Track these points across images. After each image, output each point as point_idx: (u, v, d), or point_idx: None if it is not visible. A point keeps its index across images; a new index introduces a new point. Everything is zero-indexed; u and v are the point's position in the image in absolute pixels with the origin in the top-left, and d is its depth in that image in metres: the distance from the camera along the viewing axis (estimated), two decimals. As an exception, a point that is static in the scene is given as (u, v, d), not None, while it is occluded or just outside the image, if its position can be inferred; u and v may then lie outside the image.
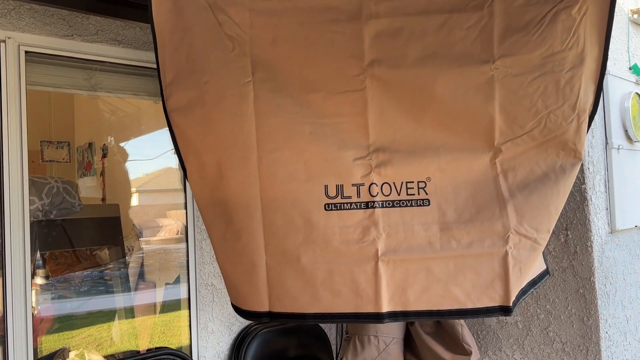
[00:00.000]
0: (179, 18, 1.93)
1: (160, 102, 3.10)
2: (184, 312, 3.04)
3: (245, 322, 3.08)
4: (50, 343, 3.42)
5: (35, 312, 3.45)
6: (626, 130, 2.76)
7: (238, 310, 2.02)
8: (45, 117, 4.91)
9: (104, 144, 4.95)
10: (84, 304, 3.69)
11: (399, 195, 1.89)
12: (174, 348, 2.91)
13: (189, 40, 1.92)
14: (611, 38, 2.87)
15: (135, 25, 2.83)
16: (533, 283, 2.01)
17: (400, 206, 1.88)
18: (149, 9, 1.92)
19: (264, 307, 1.93)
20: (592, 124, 2.61)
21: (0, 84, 2.34)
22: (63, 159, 4.99)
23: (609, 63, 2.76)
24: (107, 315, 3.60)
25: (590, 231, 2.54)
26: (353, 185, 1.88)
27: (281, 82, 1.89)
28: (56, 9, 2.50)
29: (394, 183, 1.89)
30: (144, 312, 3.73)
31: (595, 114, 1.89)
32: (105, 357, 3.26)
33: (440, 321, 2.73)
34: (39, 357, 3.26)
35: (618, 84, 2.76)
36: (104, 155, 4.89)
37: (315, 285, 1.87)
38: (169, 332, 3.31)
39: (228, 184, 1.91)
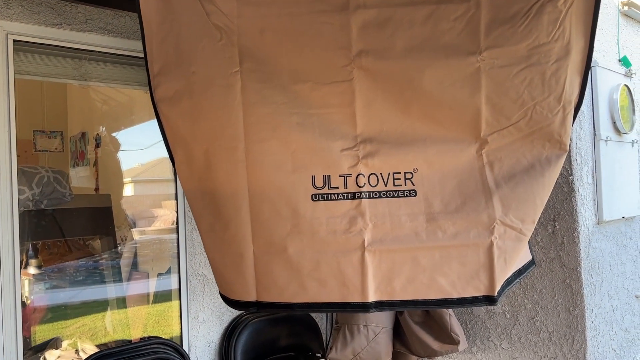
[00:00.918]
0: (166, 8, 1.92)
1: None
2: (175, 303, 3.05)
3: (236, 312, 3.10)
4: (44, 332, 3.43)
5: (28, 302, 3.46)
6: (614, 122, 2.78)
7: (226, 299, 2.03)
8: (37, 107, 4.89)
9: (97, 134, 4.93)
10: (78, 293, 3.70)
11: (385, 186, 1.90)
12: (167, 338, 2.93)
13: (176, 31, 1.92)
14: (601, 30, 2.90)
15: (125, 15, 2.81)
16: (519, 273, 2.02)
17: (387, 197, 1.89)
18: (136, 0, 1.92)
19: (251, 296, 1.94)
20: (581, 116, 2.64)
21: (-12, 73, 2.33)
22: (56, 148, 4.98)
23: (598, 55, 2.78)
24: (101, 305, 3.61)
25: (577, 222, 2.56)
26: (340, 175, 1.89)
27: (269, 73, 1.89)
28: (44, -2, 2.49)
29: (381, 174, 1.90)
30: (138, 302, 3.75)
31: (580, 105, 1.90)
32: (97, 346, 3.28)
33: (429, 311, 2.76)
34: (31, 346, 3.28)
35: (607, 75, 2.78)
36: (97, 145, 4.88)
37: (302, 275, 1.88)
38: (164, 321, 3.33)
39: (216, 174, 1.92)
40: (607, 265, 2.72)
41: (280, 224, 1.88)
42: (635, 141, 3.01)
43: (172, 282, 3.10)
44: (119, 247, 4.15)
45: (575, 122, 2.28)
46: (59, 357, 3.21)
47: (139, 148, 4.78)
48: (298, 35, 1.88)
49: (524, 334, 2.73)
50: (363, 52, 1.85)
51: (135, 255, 4.15)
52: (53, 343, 3.37)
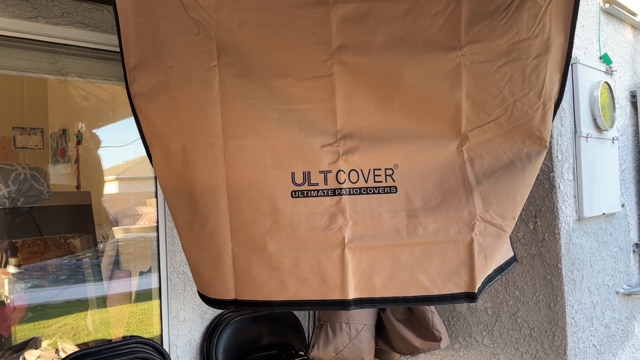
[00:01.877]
0: (143, 1, 1.88)
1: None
2: (157, 302, 3.01)
3: (217, 311, 3.07)
4: (24, 332, 3.37)
5: (8, 301, 3.39)
6: (595, 119, 2.79)
7: (204, 298, 2.00)
8: (17, 103, 4.80)
9: (78, 131, 4.86)
10: (59, 293, 3.64)
11: (366, 182, 1.88)
12: (148, 337, 2.89)
13: (153, 24, 1.88)
14: (582, 27, 2.91)
15: (102, 8, 2.76)
16: (500, 270, 2.02)
17: (367, 193, 1.88)
18: (111, -9, 1.88)
19: (230, 295, 1.92)
20: (562, 113, 2.64)
21: (-40, 67, 2.27)
22: (36, 145, 4.89)
23: (579, 52, 2.79)
24: (83, 304, 3.56)
25: (558, 219, 2.57)
26: (320, 172, 1.87)
27: (248, 67, 1.86)
28: (19, -10, 2.43)
29: (361, 170, 1.88)
30: (120, 300, 3.69)
31: (560, 102, 1.90)
32: (78, 346, 3.23)
33: (411, 308, 2.76)
34: (11, 345, 3.21)
35: (588, 73, 2.79)
36: (79, 142, 4.80)
37: (281, 272, 1.86)
38: (147, 320, 3.29)
39: (193, 170, 1.89)
40: (587, 262, 2.73)
41: (259, 221, 1.86)
42: (615, 138, 3.02)
43: (153, 281, 3.06)
44: (101, 246, 4.08)
45: (556, 118, 2.29)
46: (38, 357, 3.15)
47: (120, 145, 4.71)
48: (277, 30, 1.85)
49: (505, 331, 2.74)
50: (343, 47, 1.83)
51: (118, 253, 4.10)
52: (33, 343, 3.31)
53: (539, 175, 2.42)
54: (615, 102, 3.04)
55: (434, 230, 1.86)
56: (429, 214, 1.86)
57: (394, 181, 1.88)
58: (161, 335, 2.95)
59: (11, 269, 3.53)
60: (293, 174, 1.86)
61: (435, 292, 1.87)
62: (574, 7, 1.81)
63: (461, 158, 1.90)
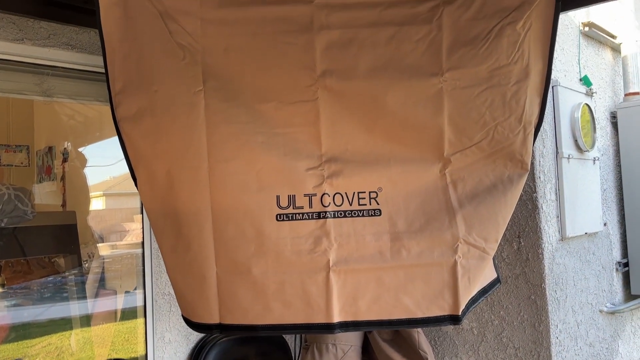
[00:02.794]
0: (128, 26, 1.90)
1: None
2: (141, 321, 2.99)
3: (203, 332, 3.04)
4: (8, 352, 3.31)
5: (-9, 320, 3.34)
6: (576, 140, 2.84)
7: (188, 322, 1.99)
8: (3, 120, 4.77)
9: (65, 148, 4.83)
10: (43, 312, 3.59)
11: (350, 205, 1.89)
12: (130, 358, 2.86)
13: (139, 49, 1.90)
14: (562, 50, 2.98)
15: (89, 30, 2.77)
16: (483, 292, 2.04)
17: (352, 216, 1.89)
18: (97, 16, 1.89)
19: (214, 319, 1.91)
20: (543, 134, 2.69)
21: (-57, 89, 2.26)
22: (22, 163, 4.86)
23: (559, 74, 2.85)
24: (68, 323, 3.52)
25: (542, 239, 2.60)
26: (305, 195, 1.88)
27: (233, 92, 1.88)
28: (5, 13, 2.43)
29: (345, 193, 1.90)
30: (105, 319, 3.65)
31: (540, 126, 1.94)
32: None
33: (397, 328, 2.76)
34: (-7, 367, 3.16)
35: (568, 95, 2.85)
36: (65, 160, 4.77)
37: (266, 296, 1.86)
38: (133, 339, 3.25)
39: (178, 194, 1.89)
40: (570, 281, 2.76)
41: (244, 245, 1.86)
42: (596, 158, 3.08)
43: (139, 299, 3.04)
44: (86, 265, 4.04)
45: (538, 140, 2.34)
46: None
47: (107, 164, 4.69)
48: (262, 55, 1.88)
49: (491, 350, 2.75)
50: (327, 72, 1.86)
51: (103, 271, 4.06)
52: (15, 364, 3.26)
53: (522, 195, 2.46)
54: (596, 122, 3.10)
55: (418, 253, 1.87)
56: (413, 237, 1.88)
57: (378, 204, 1.90)
58: (146, 356, 2.91)
59: (-6, 289, 3.48)
60: (278, 197, 1.87)
61: (419, 314, 1.88)
62: (552, 34, 1.85)
63: (444, 181, 1.92)
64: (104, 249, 4.41)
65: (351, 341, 2.81)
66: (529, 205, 2.62)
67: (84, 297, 3.70)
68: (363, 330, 2.48)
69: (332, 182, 1.89)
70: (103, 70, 2.80)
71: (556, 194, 2.72)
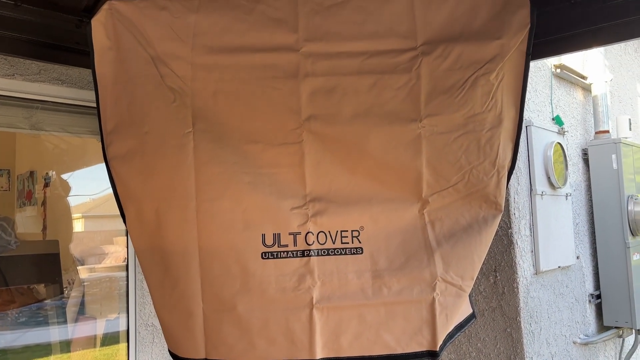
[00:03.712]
0: (121, 69, 1.97)
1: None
2: (123, 346, 2.99)
3: (185, 364, 3.05)
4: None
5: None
6: (549, 178, 2.97)
7: (175, 357, 2.02)
8: (-16, 144, 4.76)
9: (47, 173, 4.83)
10: (18, 337, 3.56)
11: (334, 243, 1.97)
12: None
13: (130, 91, 1.97)
14: (535, 92, 3.13)
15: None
16: (460, 327, 2.11)
17: (335, 254, 1.96)
18: (91, 59, 1.96)
19: (200, 354, 1.95)
20: (518, 172, 2.82)
21: None
22: (2, 187, 4.84)
23: (533, 115, 2.99)
24: (45, 349, 3.49)
25: (517, 273, 2.70)
26: (290, 233, 1.95)
27: (221, 134, 1.96)
28: (-1, 54, 2.49)
29: (329, 232, 1.97)
30: (84, 345, 3.63)
31: (514, 168, 2.05)
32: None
33: None
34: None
35: (541, 134, 2.99)
36: (46, 185, 4.76)
37: (251, 333, 1.91)
38: (114, 364, 3.24)
39: (166, 232, 1.94)
40: (545, 314, 2.86)
41: (229, 282, 1.91)
42: (568, 194, 3.21)
43: (118, 324, 3.05)
44: (66, 292, 4.03)
45: (513, 178, 2.45)
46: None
47: (90, 194, 4.71)
48: (250, 99, 1.96)
49: (469, 382, 2.81)
50: (312, 117, 1.95)
51: (83, 296, 4.04)
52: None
53: (498, 231, 2.56)
54: (568, 159, 3.24)
55: (398, 291, 1.94)
56: (393, 275, 1.96)
57: (360, 242, 1.98)
58: (128, 389, 2.91)
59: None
60: (263, 236, 1.94)
61: (399, 350, 1.94)
62: (523, 84, 1.98)
63: (422, 221, 2.01)
64: (82, 272, 4.39)
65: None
66: (504, 241, 2.73)
67: (63, 323, 3.68)
68: (344, 365, 2.53)
69: (316, 220, 1.96)
70: (92, 105, 2.88)
71: (530, 229, 2.83)
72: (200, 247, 1.92)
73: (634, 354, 3.75)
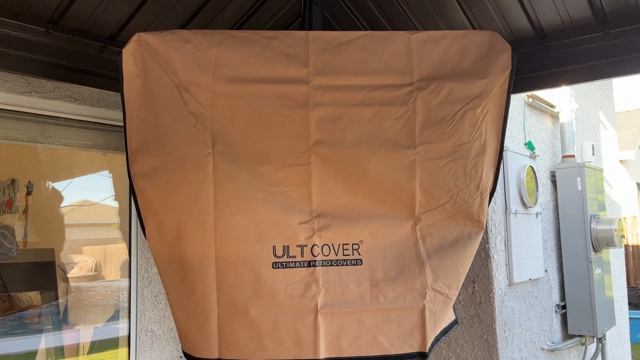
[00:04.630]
0: (147, 94, 2.17)
1: (108, 154, 3.30)
2: (122, 350, 3.12)
3: (183, 368, 3.21)
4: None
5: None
6: (522, 198, 3.27)
7: (189, 357, 2.21)
8: (-38, 151, 4.79)
9: (29, 181, 4.88)
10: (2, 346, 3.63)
11: (336, 255, 2.19)
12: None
13: (155, 114, 2.17)
14: (510, 119, 3.45)
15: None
16: (445, 331, 2.36)
17: (337, 265, 2.19)
18: (120, 85, 2.15)
19: (213, 354, 2.14)
20: (495, 193, 3.10)
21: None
22: (-19, 195, 4.87)
23: (508, 140, 3.30)
24: (26, 357, 3.55)
25: (493, 284, 2.97)
26: (298, 246, 2.17)
27: (238, 155, 2.17)
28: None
29: (332, 245, 2.20)
30: (74, 353, 3.71)
31: (494, 191, 2.32)
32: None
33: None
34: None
35: (515, 158, 3.29)
36: (29, 193, 4.82)
37: (261, 335, 2.11)
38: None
39: (185, 243, 2.14)
40: (517, 322, 3.14)
41: (243, 289, 2.12)
42: (538, 213, 3.52)
43: (119, 332, 3.18)
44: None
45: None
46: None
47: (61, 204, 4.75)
48: (264, 125, 2.19)
49: (448, 384, 3.06)
50: (319, 142, 2.18)
51: (67, 304, 4.12)
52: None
53: (476, 246, 2.83)
54: (539, 181, 3.56)
55: (393, 298, 2.18)
56: (389, 284, 2.19)
57: (359, 255, 2.21)
58: (128, 392, 3.05)
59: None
60: (274, 248, 2.15)
61: (393, 352, 2.17)
62: (504, 118, 2.26)
63: (415, 236, 2.26)
64: (59, 281, 4.46)
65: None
66: (482, 255, 3.00)
67: (48, 331, 3.77)
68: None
69: (321, 234, 2.19)
70: (101, 121, 3.06)
71: (505, 244, 3.12)
72: (217, 257, 2.12)
73: (595, 360, 4.07)
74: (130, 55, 2.15)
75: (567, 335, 3.83)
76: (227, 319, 2.12)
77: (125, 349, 3.14)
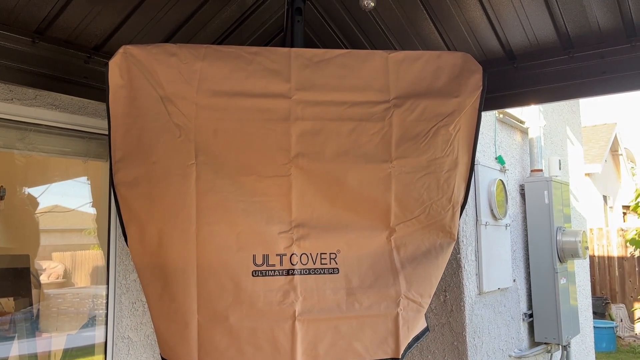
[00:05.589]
0: (132, 105, 2.22)
1: (88, 162, 3.33)
2: (98, 358, 3.13)
3: (159, 375, 3.24)
4: None
5: None
6: (492, 210, 3.41)
7: (168, 363, 2.26)
8: None
9: (2, 186, 4.83)
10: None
11: (314, 264, 2.28)
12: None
13: (140, 125, 2.22)
14: (482, 134, 3.59)
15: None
16: (417, 338, 2.46)
17: (315, 274, 2.27)
18: (106, 95, 2.20)
19: (193, 360, 2.19)
20: (466, 205, 3.24)
21: None
22: (-50, 200, 4.80)
23: (479, 155, 3.44)
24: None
25: (464, 293, 3.09)
26: (277, 255, 2.24)
27: (220, 166, 2.24)
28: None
29: (310, 254, 2.28)
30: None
31: (465, 204, 2.44)
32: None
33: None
34: None
35: (486, 172, 3.43)
36: (1, 198, 4.77)
37: (240, 341, 2.17)
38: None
39: (167, 251, 2.19)
40: (486, 329, 3.26)
41: (223, 297, 2.18)
42: (508, 225, 3.67)
43: (95, 339, 3.19)
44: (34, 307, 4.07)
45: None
46: None
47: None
48: (246, 137, 2.26)
49: (420, 390, 3.16)
50: (300, 154, 2.27)
51: (39, 311, 4.09)
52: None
53: (448, 256, 2.94)
54: (508, 194, 3.71)
55: (368, 306, 2.27)
56: (364, 292, 2.28)
57: (336, 264, 2.30)
58: (103, 399, 3.06)
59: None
60: (254, 256, 2.22)
61: (368, 358, 2.26)
62: (475, 135, 2.38)
63: (390, 246, 2.36)
64: (33, 288, 4.42)
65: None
66: (453, 264, 3.12)
67: (22, 338, 3.74)
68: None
69: (299, 244, 2.27)
70: (82, 129, 3.08)
71: (476, 255, 3.24)
72: (198, 265, 2.18)
73: (560, 367, 4.23)
74: (116, 67, 2.21)
75: (533, 343, 3.98)
76: (207, 325, 2.18)
77: (102, 356, 3.16)
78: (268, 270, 2.22)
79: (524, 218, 4.12)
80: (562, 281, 4.10)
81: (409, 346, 2.39)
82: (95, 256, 3.82)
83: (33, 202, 4.78)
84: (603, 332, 8.86)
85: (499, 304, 3.48)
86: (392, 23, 2.71)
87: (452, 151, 2.35)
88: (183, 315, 2.18)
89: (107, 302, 3.17)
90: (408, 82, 2.36)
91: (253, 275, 2.20)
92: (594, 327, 6.15)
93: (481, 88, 2.35)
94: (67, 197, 4.00)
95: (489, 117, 3.72)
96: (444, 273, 3.14)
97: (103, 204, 3.36)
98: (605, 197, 13.38)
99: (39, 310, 4.10)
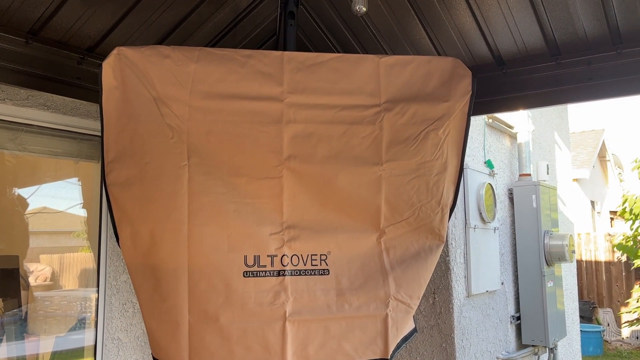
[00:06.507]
0: (125, 106, 2.24)
1: (80, 163, 3.33)
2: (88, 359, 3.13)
3: (149, 376, 3.24)
4: None
5: None
6: (480, 213, 3.45)
7: (159, 363, 2.27)
8: None
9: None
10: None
11: (305, 265, 2.30)
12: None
13: (133, 126, 2.23)
14: (471, 139, 3.64)
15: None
16: (405, 339, 2.49)
17: (305, 275, 2.29)
18: (99, 96, 2.21)
19: (183, 360, 2.20)
20: (455, 208, 3.27)
21: None
22: None
23: (469, 159, 3.48)
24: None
25: (452, 295, 3.13)
26: (268, 256, 2.26)
27: (212, 167, 2.26)
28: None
29: (301, 255, 2.30)
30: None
31: (454, 207, 2.48)
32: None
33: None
34: None
35: (475, 176, 3.47)
36: (-8, 198, 4.74)
37: (231, 341, 2.19)
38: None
39: (159, 251, 2.20)
40: (474, 332, 3.30)
41: (214, 297, 2.19)
42: (496, 228, 3.71)
43: (85, 341, 3.18)
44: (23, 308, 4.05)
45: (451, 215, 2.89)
46: None
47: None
48: (238, 139, 2.28)
49: (409, 392, 3.19)
50: (291, 157, 2.29)
51: (27, 314, 4.07)
52: None
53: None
54: (497, 198, 3.75)
55: (358, 307, 2.30)
56: (354, 293, 2.31)
57: (327, 265, 2.32)
58: (93, 400, 3.06)
59: None
60: (245, 257, 2.24)
61: (357, 358, 2.28)
62: (464, 139, 2.42)
63: (379, 248, 2.39)
64: (22, 290, 4.40)
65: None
66: (442, 267, 3.16)
67: (10, 340, 3.73)
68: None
69: (290, 245, 2.29)
70: (74, 129, 3.09)
71: (464, 257, 3.28)
72: (189, 265, 2.19)
73: (547, 370, 4.28)
74: (110, 68, 2.22)
75: (521, 345, 4.03)
76: (197, 325, 2.19)
77: (92, 358, 3.15)
78: (259, 271, 2.24)
79: (512, 222, 4.18)
80: (550, 284, 4.15)
81: (398, 347, 2.42)
82: (84, 258, 3.81)
83: (22, 203, 4.76)
84: (590, 336, 8.95)
85: (487, 306, 3.52)
86: (383, 28, 2.75)
87: (442, 155, 2.39)
88: (174, 315, 2.19)
89: (97, 303, 3.17)
90: (399, 86, 2.39)
91: (244, 276, 2.22)
92: (581, 331, 6.22)
93: (470, 93, 2.39)
94: (58, 198, 3.99)
95: (478, 122, 3.77)
96: (432, 275, 3.17)
97: (94, 205, 3.36)
98: (592, 203, 13.53)
99: (27, 312, 4.08)
